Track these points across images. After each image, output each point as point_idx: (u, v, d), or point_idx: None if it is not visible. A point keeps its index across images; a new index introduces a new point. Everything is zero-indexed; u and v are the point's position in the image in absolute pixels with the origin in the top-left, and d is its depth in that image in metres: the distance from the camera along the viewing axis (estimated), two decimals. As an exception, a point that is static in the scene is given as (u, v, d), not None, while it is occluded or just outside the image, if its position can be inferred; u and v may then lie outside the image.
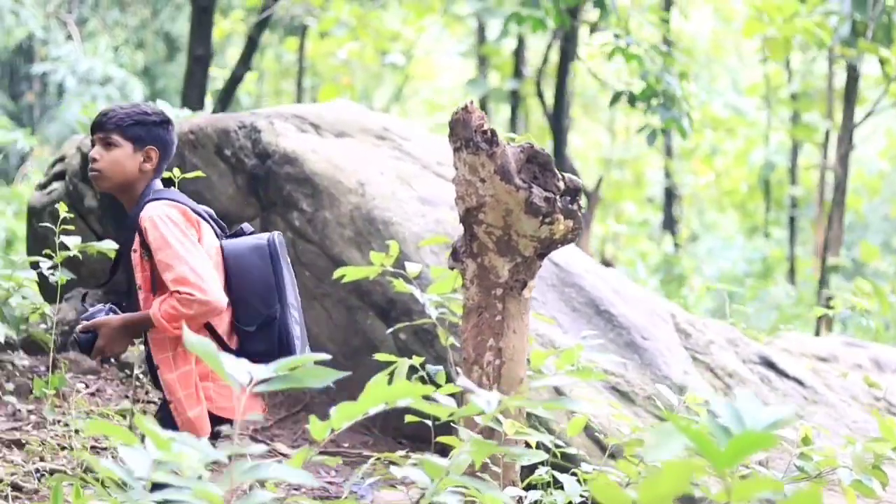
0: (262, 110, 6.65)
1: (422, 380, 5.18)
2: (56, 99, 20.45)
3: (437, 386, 5.12)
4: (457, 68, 23.09)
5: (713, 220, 23.89)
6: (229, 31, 18.23)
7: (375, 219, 6.09)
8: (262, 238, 3.91)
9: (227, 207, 6.17)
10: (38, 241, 6.60)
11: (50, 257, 5.67)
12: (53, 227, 5.63)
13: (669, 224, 19.21)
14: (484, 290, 4.71)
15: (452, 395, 5.10)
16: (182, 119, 6.61)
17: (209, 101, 10.85)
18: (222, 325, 3.78)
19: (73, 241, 5.68)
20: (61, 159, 6.77)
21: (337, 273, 5.30)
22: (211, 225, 3.86)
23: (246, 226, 4.01)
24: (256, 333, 3.79)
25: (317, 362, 2.49)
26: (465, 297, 4.71)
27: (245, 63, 10.48)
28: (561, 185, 4.86)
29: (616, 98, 10.31)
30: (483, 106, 16.77)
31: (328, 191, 6.16)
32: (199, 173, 5.28)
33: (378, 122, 6.80)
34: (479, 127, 4.65)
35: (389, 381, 4.95)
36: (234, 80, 10.47)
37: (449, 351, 5.28)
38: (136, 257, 3.78)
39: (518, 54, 16.07)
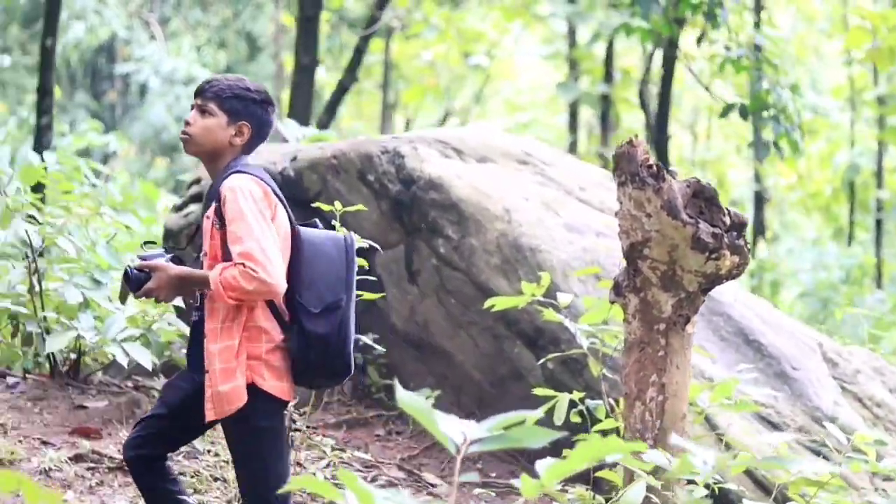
0: (403, 135, 6.60)
1: (581, 414, 5.12)
2: (138, 98, 20.57)
3: (596, 420, 5.06)
4: (536, 68, 22.99)
5: (793, 220, 23.62)
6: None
7: (522, 246, 6.02)
8: (336, 233, 4.03)
9: (371, 233, 6.12)
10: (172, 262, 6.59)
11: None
12: (190, 249, 5.60)
13: (761, 229, 19.01)
14: (646, 324, 4.66)
15: (610, 430, 5.03)
16: (325, 145, 6.56)
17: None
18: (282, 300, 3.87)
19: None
20: (197, 181, 6.75)
21: (487, 303, 5.25)
22: (286, 209, 3.90)
23: (316, 221, 4.07)
24: (320, 316, 3.84)
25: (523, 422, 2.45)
26: (626, 331, 4.65)
27: (352, 73, 10.45)
28: (727, 219, 4.79)
29: (727, 110, 10.16)
30: (573, 110, 16.68)
31: (474, 217, 6.11)
32: (360, 207, 5.25)
33: (519, 147, 6.73)
34: (645, 161, 4.59)
35: (547, 416, 4.90)
36: (341, 91, 10.44)
37: (602, 382, 5.20)
38: (207, 224, 3.87)
39: (609, 58, 15.93)
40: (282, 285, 3.73)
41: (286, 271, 3.80)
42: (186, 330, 6.01)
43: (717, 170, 21.82)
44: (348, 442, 6.00)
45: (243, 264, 3.67)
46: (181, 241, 6.47)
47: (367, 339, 5.68)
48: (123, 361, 5.76)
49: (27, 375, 6.16)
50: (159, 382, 6.28)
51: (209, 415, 3.83)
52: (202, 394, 3.84)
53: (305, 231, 3.96)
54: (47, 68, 12.68)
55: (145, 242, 4.16)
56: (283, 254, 3.81)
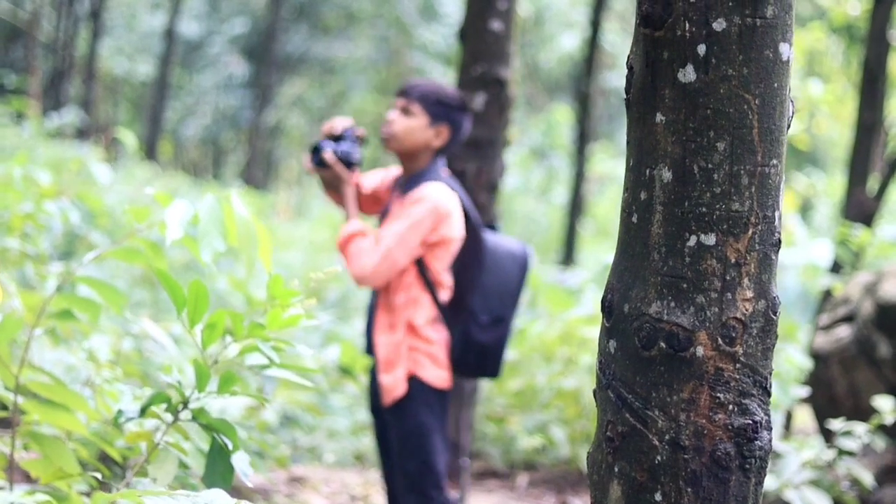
0: None
1: None
2: (620, 108, 20.93)
3: None
4: None
5: None
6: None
7: None
8: (518, 246, 4.19)
9: None
10: (821, 386, 6.61)
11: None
12: (844, 374, 5.57)
13: None
14: None
15: None
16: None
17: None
18: (445, 298, 4.08)
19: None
20: (845, 301, 6.71)
21: None
22: (471, 218, 4.10)
23: (496, 226, 4.37)
24: (487, 326, 4.05)
25: None
26: None
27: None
28: None
29: None
30: None
31: None
32: None
33: None
34: None
35: None
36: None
37: None
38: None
39: None
40: (370, 285, 4.00)
41: (460, 277, 4.07)
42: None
43: None
44: None
45: (373, 249, 3.95)
46: (830, 365, 6.48)
47: None
48: (799, 509, 5.70)
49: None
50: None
51: (385, 398, 4.04)
52: None
53: (491, 240, 4.16)
54: (586, 113, 13.19)
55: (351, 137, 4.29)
56: (438, 261, 4.02)
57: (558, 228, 15.50)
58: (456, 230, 4.07)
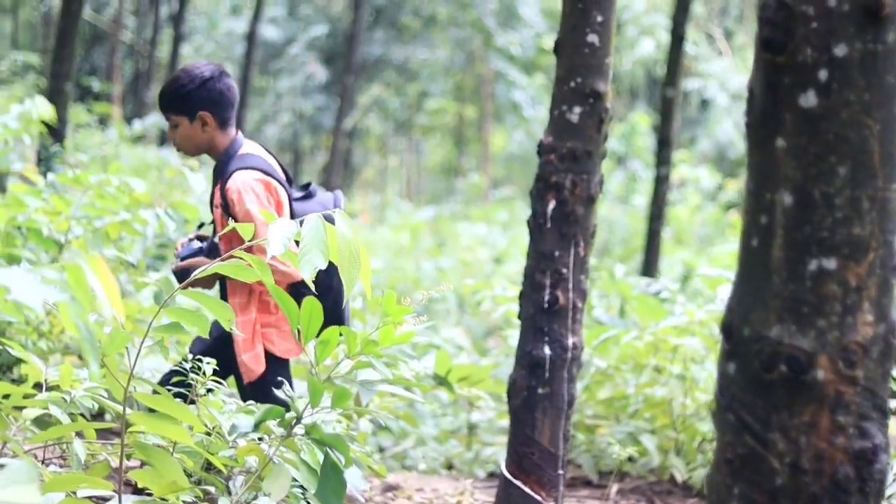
0: None
1: None
2: (698, 114, 20.70)
3: None
4: None
5: None
6: None
7: None
8: (328, 200, 4.22)
9: None
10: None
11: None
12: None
13: None
14: None
15: None
16: None
17: None
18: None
19: None
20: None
21: None
22: (287, 190, 4.15)
23: (313, 187, 4.29)
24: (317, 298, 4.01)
25: None
26: None
27: None
28: None
29: None
30: None
31: None
32: None
33: None
34: None
35: None
36: None
37: None
38: (217, 213, 4.13)
39: None
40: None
41: None
42: None
43: None
44: None
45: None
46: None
47: None
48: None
49: None
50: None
51: (245, 378, 4.14)
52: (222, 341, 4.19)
53: (297, 209, 4.17)
54: (668, 119, 13.06)
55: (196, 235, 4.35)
56: None
57: (639, 234, 15.42)
58: (283, 201, 4.17)
